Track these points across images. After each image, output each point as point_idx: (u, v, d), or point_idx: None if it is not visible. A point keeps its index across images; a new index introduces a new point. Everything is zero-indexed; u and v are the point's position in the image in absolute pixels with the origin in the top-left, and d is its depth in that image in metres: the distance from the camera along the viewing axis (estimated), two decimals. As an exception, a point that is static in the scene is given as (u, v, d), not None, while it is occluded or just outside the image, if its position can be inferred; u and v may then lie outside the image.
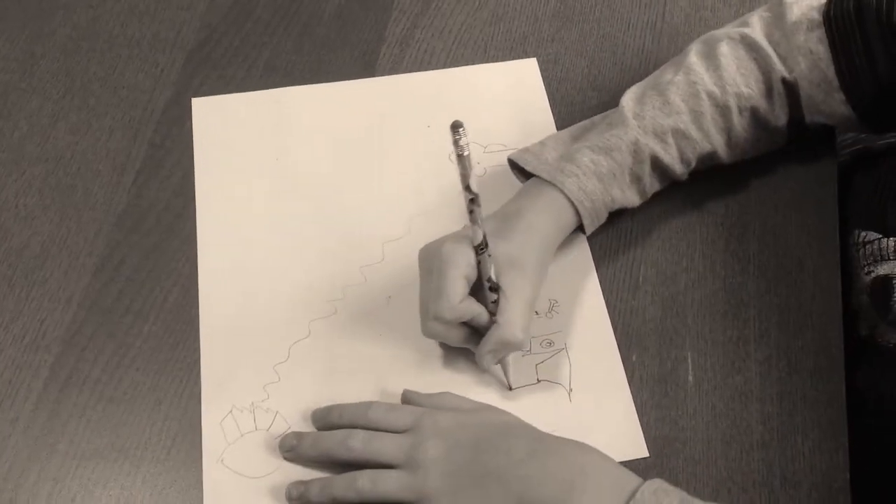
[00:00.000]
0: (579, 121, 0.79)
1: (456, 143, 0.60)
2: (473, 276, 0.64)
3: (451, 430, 0.60)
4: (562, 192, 0.68)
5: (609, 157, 0.69)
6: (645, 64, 0.86)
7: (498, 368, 0.67)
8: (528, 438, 0.60)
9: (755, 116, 0.73)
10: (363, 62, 0.86)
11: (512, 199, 0.70)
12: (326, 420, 0.64)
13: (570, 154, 0.70)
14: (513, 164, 0.74)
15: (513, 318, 0.63)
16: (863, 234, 0.72)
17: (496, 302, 0.64)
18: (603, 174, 0.69)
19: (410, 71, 0.85)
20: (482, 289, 0.65)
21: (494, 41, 0.87)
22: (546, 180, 0.69)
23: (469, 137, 0.60)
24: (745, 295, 0.72)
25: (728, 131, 0.73)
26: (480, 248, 0.63)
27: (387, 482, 0.58)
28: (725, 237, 0.75)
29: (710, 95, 0.71)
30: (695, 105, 0.71)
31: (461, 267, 0.63)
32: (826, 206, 0.76)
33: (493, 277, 0.64)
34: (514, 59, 0.86)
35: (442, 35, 0.88)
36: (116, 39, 0.87)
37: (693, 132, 0.71)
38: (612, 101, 0.81)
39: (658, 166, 0.71)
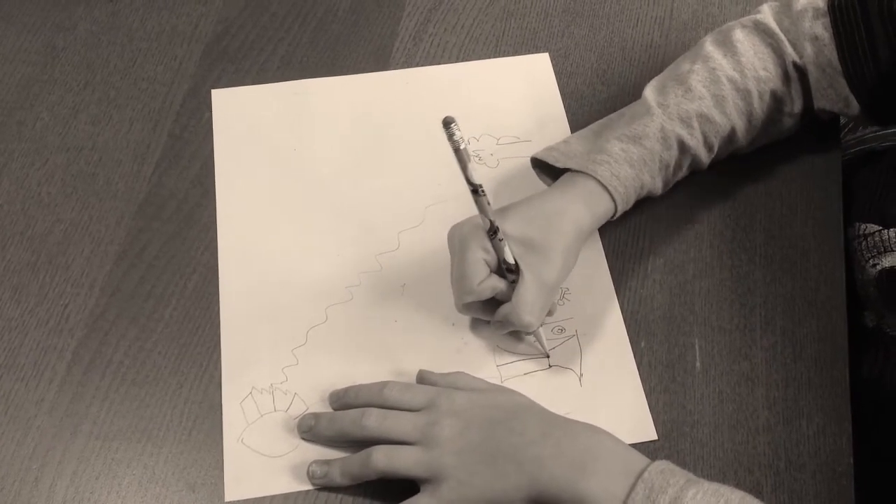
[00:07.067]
0: (589, 113, 0.81)
1: (450, 138, 0.62)
2: (492, 257, 0.66)
3: (465, 409, 0.61)
4: (595, 179, 0.68)
5: (639, 145, 0.70)
6: (653, 59, 0.87)
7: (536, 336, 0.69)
8: (540, 420, 0.61)
9: (774, 99, 0.74)
10: (377, 57, 0.87)
11: (543, 192, 0.70)
12: (343, 401, 0.65)
13: (599, 145, 0.71)
14: (536, 164, 0.74)
15: (524, 300, 0.65)
16: (863, 226, 0.74)
17: (515, 282, 0.66)
18: (634, 161, 0.69)
19: (423, 65, 0.86)
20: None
21: (506, 36, 0.89)
22: (577, 171, 0.69)
23: (462, 132, 0.62)
24: (751, 284, 0.73)
25: (749, 115, 0.74)
26: (491, 234, 0.65)
27: (401, 458, 0.60)
28: (732, 228, 0.76)
29: (731, 80, 0.73)
30: (716, 90, 0.72)
31: (478, 251, 0.65)
32: (830, 199, 0.78)
33: (509, 259, 0.66)
34: (525, 53, 0.87)
35: (454, 30, 0.89)
36: (136, 33, 0.88)
37: (716, 116, 0.72)
38: (621, 95, 0.84)
39: (685, 152, 0.72)
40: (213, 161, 0.79)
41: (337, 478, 0.62)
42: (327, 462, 0.63)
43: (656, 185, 0.72)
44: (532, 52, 0.88)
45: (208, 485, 0.63)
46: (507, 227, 0.66)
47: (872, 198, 0.75)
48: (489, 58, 0.87)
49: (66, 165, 0.79)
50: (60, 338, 0.69)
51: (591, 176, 0.69)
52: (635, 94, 0.78)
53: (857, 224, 0.74)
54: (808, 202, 0.78)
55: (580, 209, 0.68)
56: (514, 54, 0.88)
